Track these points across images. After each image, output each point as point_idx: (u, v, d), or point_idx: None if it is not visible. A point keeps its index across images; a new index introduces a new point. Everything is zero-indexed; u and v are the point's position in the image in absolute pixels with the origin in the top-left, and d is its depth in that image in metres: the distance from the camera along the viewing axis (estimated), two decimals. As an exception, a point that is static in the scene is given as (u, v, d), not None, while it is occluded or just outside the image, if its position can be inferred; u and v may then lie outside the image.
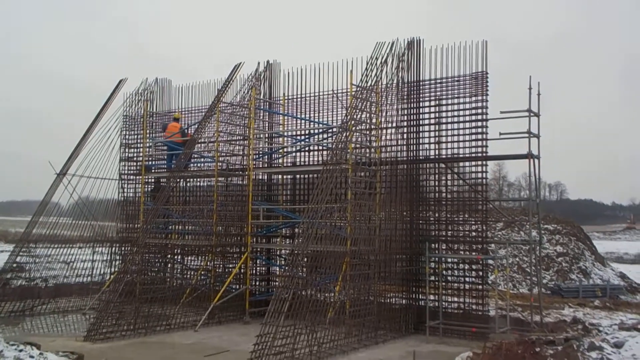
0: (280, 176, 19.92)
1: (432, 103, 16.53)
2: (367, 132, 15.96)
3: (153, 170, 21.34)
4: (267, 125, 20.13)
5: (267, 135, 20.15)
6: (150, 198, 20.29)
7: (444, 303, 15.72)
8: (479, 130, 15.65)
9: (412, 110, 16.62)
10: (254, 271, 18.99)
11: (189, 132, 20.52)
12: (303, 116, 19.04)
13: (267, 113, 20.05)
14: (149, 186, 21.25)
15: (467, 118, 15.89)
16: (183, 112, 21.78)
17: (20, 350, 9.58)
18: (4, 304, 17.36)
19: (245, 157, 18.76)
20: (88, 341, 13.84)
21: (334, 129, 17.43)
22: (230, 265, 18.18)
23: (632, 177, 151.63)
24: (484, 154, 15.62)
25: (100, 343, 13.82)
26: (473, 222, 16.55)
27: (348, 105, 15.71)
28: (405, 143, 16.55)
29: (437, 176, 16.87)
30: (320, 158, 18.37)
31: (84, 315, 17.79)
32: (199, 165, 20.74)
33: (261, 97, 19.49)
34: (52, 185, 19.33)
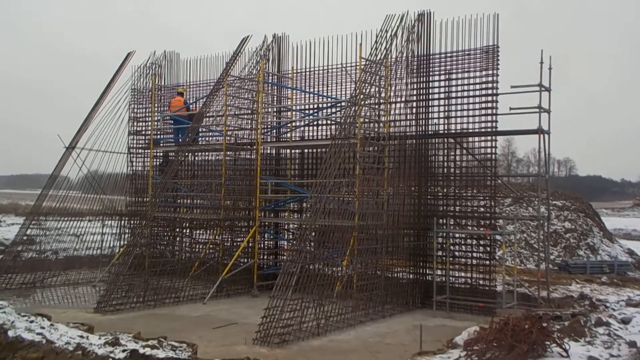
0: (288, 150, 19.87)
1: (442, 77, 16.37)
2: (376, 107, 15.85)
3: (161, 144, 21.34)
4: (275, 99, 20.03)
5: (275, 109, 20.06)
6: (159, 172, 20.34)
7: (451, 278, 15.75)
8: (489, 105, 15.51)
9: (421, 84, 16.46)
10: (262, 245, 19.08)
11: (196, 106, 20.47)
12: (311, 90, 18.92)
13: (275, 87, 19.93)
14: (158, 160, 21.28)
15: (477, 92, 15.73)
16: (191, 86, 21.70)
17: (32, 322, 9.69)
18: (15, 276, 17.57)
19: (253, 131, 18.71)
20: (98, 313, 14.02)
21: (343, 103, 17.33)
22: (239, 239, 18.27)
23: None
24: (494, 129, 15.50)
25: (110, 315, 13.99)
26: (481, 198, 16.50)
27: (357, 79, 15.57)
28: (414, 117, 16.44)
29: (445, 151, 16.77)
30: (328, 132, 18.31)
31: (94, 288, 17.98)
32: (207, 139, 20.72)
33: (269, 70, 19.36)
34: (61, 158, 19.39)
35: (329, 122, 18.45)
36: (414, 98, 16.48)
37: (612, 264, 25.62)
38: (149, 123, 21.08)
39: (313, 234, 13.32)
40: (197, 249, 19.47)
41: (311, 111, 19.49)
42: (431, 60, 16.37)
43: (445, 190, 16.66)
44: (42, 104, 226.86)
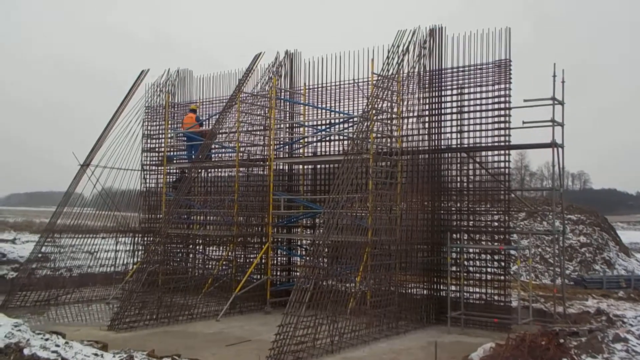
0: (301, 166, 19.91)
1: (454, 92, 16.36)
2: (389, 122, 15.86)
3: (175, 161, 21.47)
4: (287, 115, 20.11)
5: (287, 125, 20.13)
6: (173, 189, 20.43)
7: (465, 294, 15.61)
8: (502, 119, 15.46)
9: (433, 99, 16.46)
10: (275, 261, 19.05)
11: (210, 123, 20.59)
12: (324, 106, 18.98)
13: (287, 103, 20.02)
14: (171, 177, 21.39)
15: (490, 107, 15.71)
16: (204, 103, 21.86)
17: (47, 340, 9.71)
18: (30, 294, 17.65)
19: (266, 148, 18.78)
20: (112, 330, 14.04)
21: (355, 119, 17.35)
22: (252, 256, 18.27)
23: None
24: (507, 143, 15.43)
25: (123, 332, 13.99)
26: (495, 212, 16.40)
27: (369, 94, 15.61)
28: (426, 132, 16.42)
29: (458, 166, 16.73)
30: (341, 148, 18.33)
31: (108, 305, 18.02)
32: (220, 155, 20.82)
33: (282, 86, 19.46)
34: (75, 176, 19.54)
35: (341, 137, 18.47)
36: (426, 113, 16.47)
37: (629, 278, 25.24)
38: (162, 140, 21.23)
39: (326, 250, 13.28)
40: (210, 266, 19.49)
41: (324, 127, 19.54)
42: (443, 75, 16.38)
43: (458, 205, 16.57)
44: (57, 122, 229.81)
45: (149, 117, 21.71)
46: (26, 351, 8.74)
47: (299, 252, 19.81)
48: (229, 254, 18.24)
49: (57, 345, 9.44)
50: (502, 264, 15.63)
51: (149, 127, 21.70)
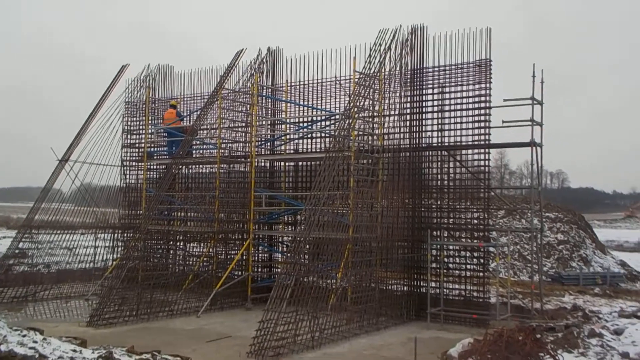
0: (282, 163, 19.91)
1: (435, 90, 16.49)
2: (370, 120, 15.94)
3: (155, 157, 21.34)
4: (269, 112, 20.09)
5: (269, 122, 20.12)
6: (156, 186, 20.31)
7: (445, 290, 15.77)
8: (482, 118, 15.63)
9: (415, 97, 16.57)
10: (256, 258, 19.04)
11: (191, 119, 20.50)
12: (305, 103, 19.00)
13: (269, 100, 20.00)
14: (151, 173, 21.26)
15: (470, 105, 15.86)
16: (186, 99, 21.74)
17: (24, 336, 9.62)
18: (7, 290, 17.44)
19: (247, 144, 18.75)
20: (91, 327, 13.93)
21: (337, 116, 17.40)
22: (233, 252, 18.24)
23: (634, 166, 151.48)
24: (487, 142, 15.60)
25: (103, 328, 13.90)
26: (475, 210, 16.57)
27: (351, 92, 15.67)
28: (408, 130, 16.53)
29: (439, 164, 16.87)
30: (322, 145, 18.37)
31: (87, 301, 17.86)
32: (201, 152, 20.75)
33: (264, 83, 19.44)
34: (54, 171, 19.33)
35: (323, 135, 18.52)
36: (408, 111, 16.58)
37: (605, 275, 25.71)
38: (143, 136, 21.09)
39: (307, 246, 13.33)
40: (191, 262, 19.42)
41: (305, 124, 19.56)
42: (425, 74, 16.50)
43: (439, 202, 16.72)
44: (36, 114, 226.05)
45: (129, 112, 21.53)
46: (3, 347, 8.66)
47: (280, 248, 19.83)
48: (210, 250, 18.20)
49: (35, 342, 9.37)
50: (482, 260, 15.80)
51: (129, 123, 21.51)
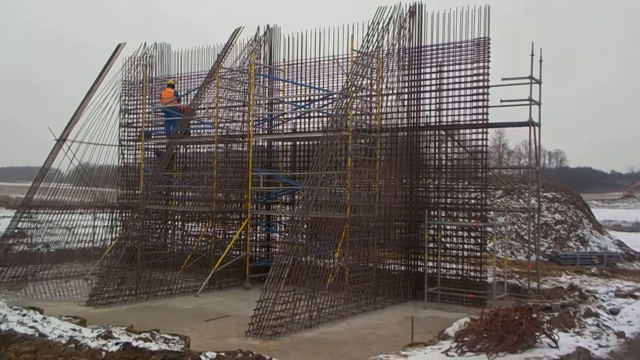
0: (280, 143, 19.87)
1: (434, 69, 16.39)
2: (368, 99, 15.87)
3: (153, 137, 21.27)
4: (267, 91, 19.99)
5: (267, 101, 20.03)
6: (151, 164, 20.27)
7: (442, 270, 15.84)
8: (480, 97, 15.55)
9: (413, 76, 16.48)
10: (254, 238, 19.10)
11: (188, 98, 20.39)
12: (303, 82, 18.89)
13: (267, 79, 19.89)
14: (149, 152, 21.21)
15: (468, 85, 15.77)
16: (183, 78, 21.61)
17: (24, 315, 9.67)
18: (7, 270, 17.51)
19: (245, 124, 18.68)
20: (90, 306, 14.02)
21: (335, 96, 17.32)
22: (231, 232, 18.28)
23: (632, 146, 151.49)
24: (485, 122, 15.55)
25: (102, 308, 13.99)
26: (472, 190, 16.59)
27: (349, 71, 15.58)
28: (405, 110, 16.47)
29: (437, 143, 16.82)
30: (320, 125, 18.31)
31: (86, 281, 17.96)
32: (198, 131, 20.68)
33: (261, 62, 19.31)
34: (52, 151, 19.28)
35: (320, 114, 18.45)
36: (406, 90, 16.50)
37: (602, 255, 25.87)
38: (140, 115, 21.00)
39: (305, 226, 13.36)
40: (189, 242, 19.47)
41: (303, 103, 19.48)
42: (423, 53, 16.38)
43: (436, 182, 16.72)
44: (33, 95, 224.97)
45: (127, 91, 21.41)
46: (3, 326, 8.72)
47: (278, 228, 19.88)
48: (208, 230, 18.23)
49: (35, 321, 9.42)
50: (479, 240, 15.86)
51: (126, 102, 21.40)
